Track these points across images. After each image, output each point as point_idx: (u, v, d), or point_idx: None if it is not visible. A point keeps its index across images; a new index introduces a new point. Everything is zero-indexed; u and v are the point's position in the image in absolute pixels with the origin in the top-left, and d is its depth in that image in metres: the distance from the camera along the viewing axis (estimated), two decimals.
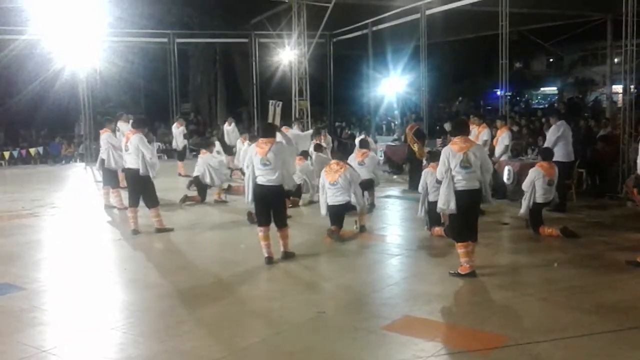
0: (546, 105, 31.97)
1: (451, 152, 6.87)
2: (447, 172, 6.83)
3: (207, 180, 12.35)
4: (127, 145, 9.38)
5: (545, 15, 20.15)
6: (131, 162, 9.35)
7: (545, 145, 10.81)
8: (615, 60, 22.53)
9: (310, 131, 15.39)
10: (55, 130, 25.31)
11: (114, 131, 12.19)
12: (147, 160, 9.20)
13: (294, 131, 13.60)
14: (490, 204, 7.57)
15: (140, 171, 9.20)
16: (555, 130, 10.81)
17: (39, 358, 4.88)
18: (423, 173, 9.21)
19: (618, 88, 21.95)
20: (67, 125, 25.51)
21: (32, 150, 22.23)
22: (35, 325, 5.61)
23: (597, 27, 21.28)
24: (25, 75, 23.35)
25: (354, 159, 10.55)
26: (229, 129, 18.60)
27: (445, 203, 6.83)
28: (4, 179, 17.71)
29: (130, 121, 11.83)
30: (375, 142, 19.07)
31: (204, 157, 12.55)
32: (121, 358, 4.86)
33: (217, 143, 14.26)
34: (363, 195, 9.65)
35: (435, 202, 8.67)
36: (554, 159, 10.25)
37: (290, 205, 10.53)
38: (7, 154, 21.37)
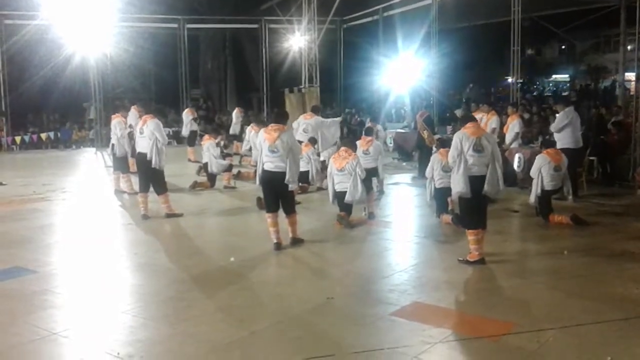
0: (553, 93, 31.77)
1: (465, 136, 6.87)
2: (460, 155, 6.80)
3: (209, 168, 12.42)
4: (143, 128, 9.34)
5: (558, 1, 19.94)
6: (144, 146, 9.31)
7: (551, 129, 10.86)
8: (629, 47, 22.27)
9: (339, 119, 14.89)
10: (66, 115, 25.42)
11: (125, 117, 12.21)
12: (158, 146, 9.19)
13: (318, 119, 13.32)
14: (499, 193, 7.54)
15: (148, 156, 9.20)
16: (564, 116, 10.75)
17: (50, 340, 4.93)
18: (431, 159, 9.23)
19: (631, 75, 21.71)
20: (78, 111, 25.61)
21: (43, 135, 22.32)
22: (46, 308, 5.66)
23: (610, 13, 21.00)
24: (37, 61, 23.43)
25: (358, 146, 10.52)
26: (237, 120, 18.42)
27: (463, 187, 6.78)
28: (15, 164, 17.84)
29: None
30: (385, 129, 19.01)
31: (206, 144, 12.60)
32: (131, 341, 4.90)
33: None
34: (370, 188, 9.63)
35: (442, 189, 8.77)
36: (563, 145, 10.23)
37: (300, 192, 10.54)
38: (18, 139, 21.49)
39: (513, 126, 12.10)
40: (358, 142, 10.63)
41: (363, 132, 11.48)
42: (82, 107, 25.15)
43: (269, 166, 7.52)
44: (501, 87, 32.49)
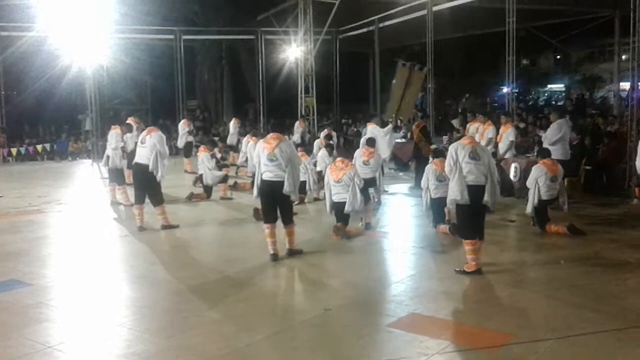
0: (546, 102, 31.88)
1: (460, 145, 6.96)
2: (456, 164, 6.83)
3: (204, 180, 12.42)
4: (145, 138, 9.25)
5: (553, 11, 20.10)
6: (142, 156, 9.22)
7: (544, 141, 10.87)
8: (623, 57, 22.42)
9: (390, 126, 14.04)
10: (62, 127, 25.41)
11: (124, 132, 12.17)
12: (158, 158, 9.13)
13: (372, 127, 13.10)
14: (496, 203, 7.58)
15: (150, 167, 9.13)
16: (557, 129, 10.79)
17: (45, 354, 4.89)
18: (426, 169, 9.24)
19: (626, 85, 21.85)
20: (74, 122, 25.62)
21: (39, 147, 22.28)
22: (41, 321, 5.62)
23: (605, 23, 21.20)
24: (33, 72, 23.44)
25: (359, 156, 10.50)
26: (234, 130, 18.54)
27: (457, 195, 6.78)
28: (11, 176, 17.78)
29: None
30: None
31: (201, 155, 12.60)
32: (127, 354, 4.87)
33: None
34: (368, 198, 9.62)
35: (438, 199, 8.78)
36: (555, 157, 10.23)
37: (297, 203, 10.52)
38: (14, 151, 21.45)
39: (507, 135, 12.11)
40: (359, 152, 10.60)
41: (364, 142, 11.38)
42: (77, 119, 25.18)
43: (267, 175, 7.48)
44: (496, 96, 32.66)
